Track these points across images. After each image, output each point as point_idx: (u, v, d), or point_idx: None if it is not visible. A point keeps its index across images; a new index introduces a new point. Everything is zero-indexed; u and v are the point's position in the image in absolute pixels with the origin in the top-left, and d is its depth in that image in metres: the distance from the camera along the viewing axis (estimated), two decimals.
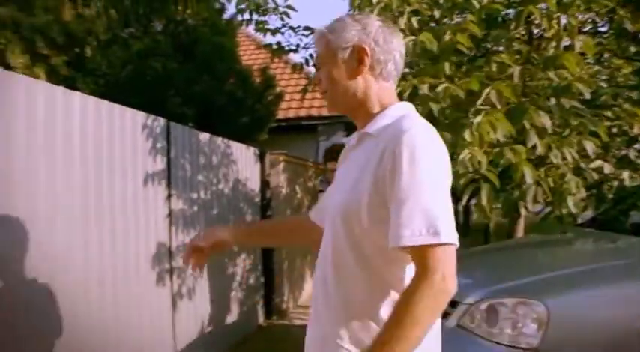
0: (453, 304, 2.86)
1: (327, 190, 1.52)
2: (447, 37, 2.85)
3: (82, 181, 2.66)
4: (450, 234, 1.14)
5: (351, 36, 1.32)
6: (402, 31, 2.94)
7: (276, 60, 9.92)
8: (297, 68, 5.15)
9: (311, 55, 5.03)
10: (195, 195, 3.92)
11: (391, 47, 1.34)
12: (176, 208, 3.64)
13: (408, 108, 1.35)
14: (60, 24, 6.43)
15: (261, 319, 5.35)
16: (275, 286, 5.49)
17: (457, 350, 2.59)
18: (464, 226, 14.11)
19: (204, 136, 4.13)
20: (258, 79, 7.39)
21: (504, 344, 2.52)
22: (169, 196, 3.55)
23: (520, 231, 5.93)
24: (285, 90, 8.08)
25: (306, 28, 4.96)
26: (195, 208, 3.92)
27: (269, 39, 4.98)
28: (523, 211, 3.80)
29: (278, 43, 5.01)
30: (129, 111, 3.14)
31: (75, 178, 2.60)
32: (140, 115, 3.26)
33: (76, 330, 2.53)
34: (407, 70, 3.29)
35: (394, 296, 1.23)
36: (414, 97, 3.06)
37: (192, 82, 6.34)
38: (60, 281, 2.46)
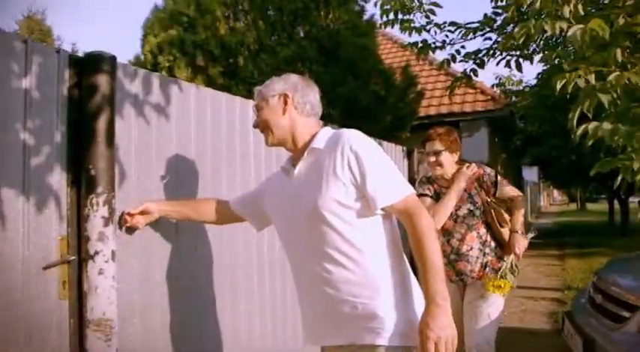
0: (632, 308, 2.70)
1: (278, 203, 1.95)
2: (620, 21, 2.68)
3: (243, 180, 2.91)
4: (410, 187, 1.72)
5: (277, 86, 1.87)
6: (567, 19, 2.82)
7: (412, 57, 9.95)
8: (443, 65, 5.12)
9: (458, 51, 4.98)
10: None
11: (307, 93, 1.85)
12: None
13: (330, 129, 1.84)
14: (216, 38, 7.01)
15: None
16: None
17: None
18: (622, 225, 13.00)
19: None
20: (399, 77, 7.45)
21: None
22: None
23: None
24: (425, 88, 8.03)
25: (452, 24, 4.91)
26: None
27: (414, 37, 4.99)
28: None
29: (424, 41, 5.01)
30: None
31: (236, 176, 2.86)
32: None
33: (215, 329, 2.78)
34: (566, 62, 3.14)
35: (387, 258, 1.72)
36: (578, 89, 2.92)
37: (336, 84, 6.56)
38: (226, 272, 2.72)
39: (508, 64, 4.95)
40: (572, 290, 6.43)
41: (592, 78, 2.89)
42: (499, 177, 3.08)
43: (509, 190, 3.03)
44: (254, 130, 2.87)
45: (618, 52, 2.83)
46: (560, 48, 4.89)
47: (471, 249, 2.96)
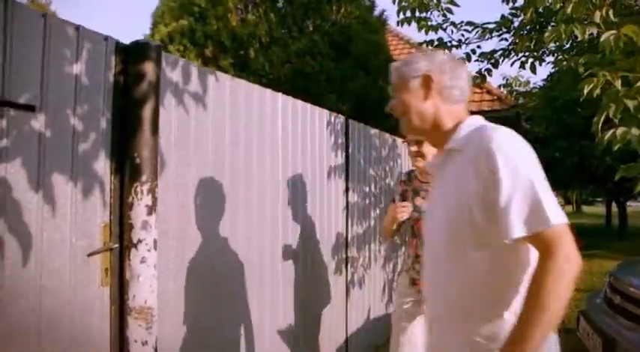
0: None
1: (427, 208, 1.68)
2: None
3: (282, 172, 2.93)
4: (558, 216, 1.22)
5: (419, 66, 1.51)
6: (597, 24, 2.84)
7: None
8: None
9: (473, 51, 4.99)
10: (367, 189, 4.10)
11: (456, 75, 1.50)
12: (352, 201, 3.84)
13: (478, 120, 1.48)
14: (227, 29, 6.99)
15: None
16: None
17: None
18: (620, 229, 13.14)
19: (375, 131, 4.29)
20: None
21: None
22: (347, 189, 3.76)
23: None
24: None
25: (469, 23, 4.92)
26: (367, 201, 4.10)
27: (430, 36, 4.97)
28: None
29: (440, 39, 5.01)
30: (317, 109, 3.38)
31: (276, 169, 2.87)
32: (325, 113, 3.49)
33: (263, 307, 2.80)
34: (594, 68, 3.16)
35: (517, 285, 1.32)
36: (603, 94, 2.94)
37: (347, 79, 6.56)
38: (255, 262, 2.74)
39: (522, 65, 4.97)
40: (580, 292, 6.48)
41: (619, 83, 2.91)
42: None
43: None
44: (284, 122, 2.92)
45: None
46: (574, 52, 4.93)
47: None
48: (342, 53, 6.85)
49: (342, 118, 3.72)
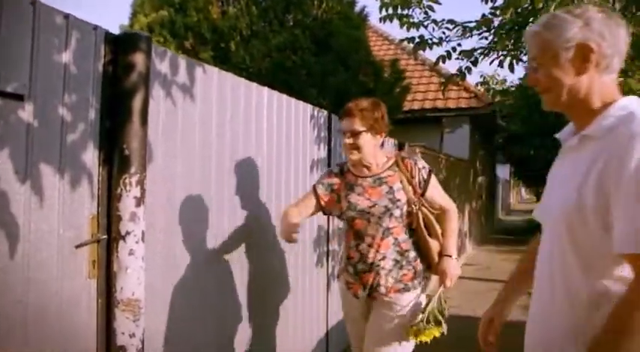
0: None
1: (546, 189, 1.47)
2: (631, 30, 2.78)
3: (267, 165, 2.94)
4: None
5: (572, 34, 1.24)
6: None
7: (398, 52, 10.05)
8: (439, 62, 5.18)
9: (454, 48, 5.05)
10: None
11: (617, 40, 1.24)
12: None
13: (633, 105, 1.24)
14: (208, 21, 6.93)
15: None
16: None
17: None
18: None
19: None
20: (388, 71, 7.51)
21: None
22: None
23: None
24: (410, 83, 8.12)
25: (450, 21, 4.98)
26: None
27: (412, 33, 5.00)
28: None
29: (421, 36, 5.06)
30: (301, 103, 3.39)
31: (261, 161, 2.88)
32: (309, 107, 3.50)
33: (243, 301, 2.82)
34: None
35: (614, 298, 1.17)
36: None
37: (327, 74, 6.58)
38: (241, 255, 2.76)
39: (501, 64, 5.06)
40: None
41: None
42: (432, 178, 2.41)
43: (441, 198, 2.42)
44: (269, 115, 2.93)
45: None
46: None
47: (384, 258, 2.29)
48: (323, 48, 6.87)
49: (324, 113, 3.74)
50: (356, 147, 2.30)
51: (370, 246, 2.31)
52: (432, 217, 2.34)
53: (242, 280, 2.72)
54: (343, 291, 2.49)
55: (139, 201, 1.90)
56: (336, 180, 2.45)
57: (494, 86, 7.58)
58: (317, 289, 3.70)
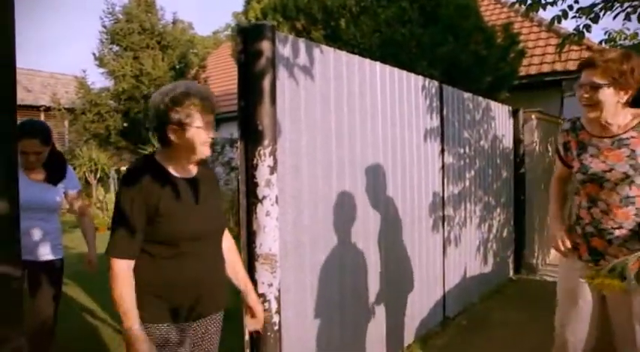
0: None
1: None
2: None
3: (382, 135, 3.13)
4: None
5: None
6: None
7: (512, 15, 9.64)
8: (554, 22, 5.00)
9: (570, 7, 4.84)
10: (462, 150, 4.22)
11: None
12: (447, 162, 3.98)
13: None
14: (318, 2, 7.18)
15: (511, 272, 5.50)
16: (525, 242, 5.57)
17: None
18: None
19: (468, 95, 4.37)
20: (500, 36, 7.30)
21: None
22: (442, 151, 3.91)
23: None
24: (526, 47, 7.80)
25: None
26: (462, 163, 4.22)
27: None
28: None
29: None
30: (412, 76, 3.53)
31: (376, 132, 3.08)
32: (420, 78, 3.63)
33: (362, 267, 3.06)
34: None
35: None
36: None
37: (437, 44, 6.56)
38: (359, 218, 2.99)
39: (628, 17, 4.76)
40: None
41: None
42: None
43: None
44: (382, 89, 3.12)
45: None
46: None
47: (620, 227, 2.05)
48: (432, 19, 6.84)
49: (435, 83, 3.85)
50: (594, 103, 2.04)
51: (605, 212, 2.09)
52: None
53: (361, 241, 2.97)
54: (569, 251, 2.25)
55: (272, 169, 2.20)
56: (568, 138, 2.27)
57: (621, 42, 7.03)
58: (433, 254, 3.87)
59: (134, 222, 1.60)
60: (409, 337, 3.51)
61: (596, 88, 2.01)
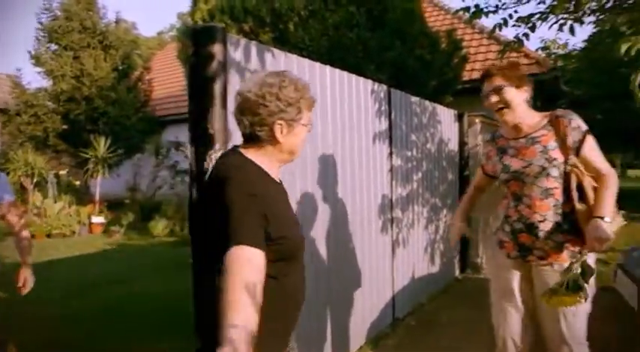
0: None
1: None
2: None
3: (333, 138, 3.15)
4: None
5: None
6: None
7: (455, 21, 9.93)
8: (495, 30, 5.18)
9: (510, 15, 5.03)
10: (409, 153, 4.30)
11: None
12: (395, 164, 4.05)
13: None
14: (267, 4, 7.17)
15: (457, 272, 5.65)
16: (470, 242, 5.74)
17: None
18: None
19: (415, 99, 4.46)
20: (444, 42, 7.50)
21: None
22: (390, 154, 3.97)
23: None
24: (468, 53, 8.06)
25: None
26: (410, 165, 4.30)
27: (467, 2, 5.03)
28: None
29: (476, 6, 5.06)
30: (361, 80, 3.57)
31: (327, 135, 3.10)
32: (369, 82, 3.68)
33: (324, 267, 3.06)
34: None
35: None
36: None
37: (384, 49, 6.68)
38: (309, 221, 3.00)
39: (561, 28, 5.00)
40: (616, 251, 6.57)
41: None
42: (589, 138, 2.22)
43: (599, 161, 2.21)
44: (332, 92, 3.13)
45: None
46: (615, 10, 4.92)
47: (544, 220, 2.22)
48: (379, 23, 6.95)
49: (384, 87, 3.91)
50: (504, 104, 2.25)
51: (529, 207, 2.25)
52: (586, 180, 2.18)
53: (315, 242, 2.97)
54: (495, 250, 2.47)
55: None
56: (489, 148, 2.50)
57: (555, 51, 7.39)
58: (382, 255, 3.92)
59: (257, 221, 1.32)
60: (360, 339, 3.54)
61: (501, 89, 2.24)
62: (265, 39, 7.09)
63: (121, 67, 12.39)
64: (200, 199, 1.69)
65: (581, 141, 2.19)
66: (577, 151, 2.19)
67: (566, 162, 2.19)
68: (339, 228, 3.27)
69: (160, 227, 9.30)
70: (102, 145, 10.70)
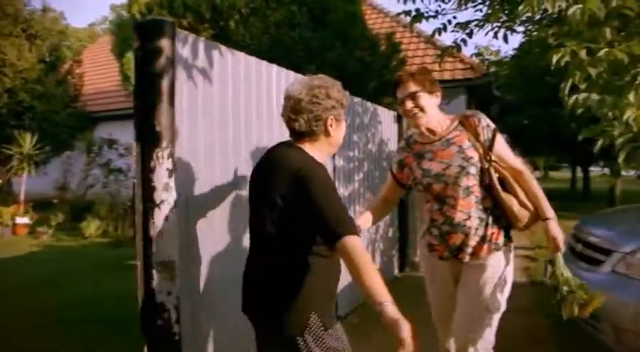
0: (607, 252, 3.13)
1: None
2: (613, 3, 2.96)
3: (279, 138, 3.13)
4: None
5: None
6: None
7: (394, 24, 10.14)
8: (434, 34, 5.33)
9: (449, 21, 5.20)
10: (351, 154, 4.35)
11: None
12: (338, 165, 4.08)
13: None
14: (207, 0, 7.04)
15: (396, 271, 5.78)
16: (409, 241, 5.88)
17: (615, 291, 2.91)
18: (584, 192, 13.81)
19: (358, 100, 4.52)
20: (384, 45, 7.64)
21: None
22: (333, 154, 4.00)
23: None
24: (407, 56, 8.25)
25: None
26: (352, 165, 4.35)
27: (408, 6, 5.15)
28: None
29: (417, 10, 5.20)
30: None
31: (273, 135, 3.08)
32: None
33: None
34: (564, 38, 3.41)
35: None
36: (570, 63, 3.21)
37: (326, 49, 6.73)
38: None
39: (496, 35, 5.22)
40: (543, 248, 6.93)
41: (583, 53, 3.19)
42: (498, 136, 2.34)
43: (510, 158, 2.35)
44: (278, 94, 3.11)
45: (608, 30, 3.13)
46: (543, 23, 5.20)
47: (469, 217, 2.28)
48: (320, 24, 6.99)
49: None
50: (420, 109, 2.26)
51: (453, 207, 2.29)
52: (505, 173, 2.30)
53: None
54: (425, 255, 2.50)
55: (171, 172, 2.11)
56: (404, 155, 2.47)
57: (488, 57, 7.70)
58: None
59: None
60: None
61: (414, 95, 2.25)
62: (205, 36, 6.96)
63: (48, 59, 11.78)
64: (257, 184, 1.87)
65: (492, 139, 2.29)
66: (489, 149, 2.29)
67: (482, 160, 2.27)
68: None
69: (92, 227, 8.92)
70: (27, 141, 10.14)
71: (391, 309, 1.42)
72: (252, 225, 1.89)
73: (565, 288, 2.22)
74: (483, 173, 2.29)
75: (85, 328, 4.16)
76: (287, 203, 1.67)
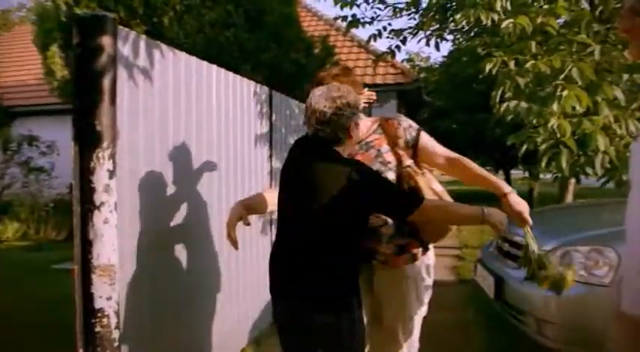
0: None
1: None
2: (538, 20, 3.19)
3: (217, 139, 3.13)
4: None
5: None
6: (497, 12, 3.29)
7: (328, 28, 10.28)
8: (370, 40, 5.48)
9: (384, 28, 5.36)
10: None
11: None
12: (275, 167, 4.10)
13: None
14: None
15: None
16: None
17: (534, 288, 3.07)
18: None
19: (294, 102, 4.56)
20: (318, 48, 7.74)
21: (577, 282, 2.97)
22: (271, 156, 4.02)
23: (570, 198, 6.28)
24: (340, 59, 8.40)
25: (381, 2, 5.30)
26: None
27: (344, 11, 5.27)
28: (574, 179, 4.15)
29: (353, 15, 5.33)
30: (245, 81, 3.58)
31: (212, 136, 3.07)
32: (252, 84, 3.70)
33: (197, 272, 3.04)
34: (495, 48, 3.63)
35: None
36: (500, 72, 3.43)
37: (261, 50, 6.73)
38: (196, 221, 2.96)
39: (428, 43, 5.44)
40: (469, 248, 7.27)
41: (512, 63, 3.41)
42: (423, 134, 2.28)
43: (443, 149, 2.29)
44: (217, 94, 3.10)
45: (534, 44, 3.36)
46: (472, 34, 5.47)
47: (385, 223, 2.20)
48: (256, 25, 6.99)
49: (266, 89, 3.95)
50: None
51: None
52: (421, 179, 2.19)
53: (200, 244, 2.93)
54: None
55: (112, 173, 2.06)
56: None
57: (419, 63, 7.97)
58: (263, 256, 3.94)
59: None
60: (242, 341, 3.55)
61: None
62: (138, 32, 6.75)
63: None
64: (298, 180, 2.02)
65: (417, 137, 2.23)
66: (415, 147, 2.23)
67: (399, 165, 2.20)
68: (223, 229, 3.24)
69: (10, 230, 8.39)
70: None
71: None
72: (294, 217, 2.09)
73: (536, 262, 2.13)
74: (401, 179, 2.20)
75: (11, 335, 3.93)
76: (344, 199, 1.87)
